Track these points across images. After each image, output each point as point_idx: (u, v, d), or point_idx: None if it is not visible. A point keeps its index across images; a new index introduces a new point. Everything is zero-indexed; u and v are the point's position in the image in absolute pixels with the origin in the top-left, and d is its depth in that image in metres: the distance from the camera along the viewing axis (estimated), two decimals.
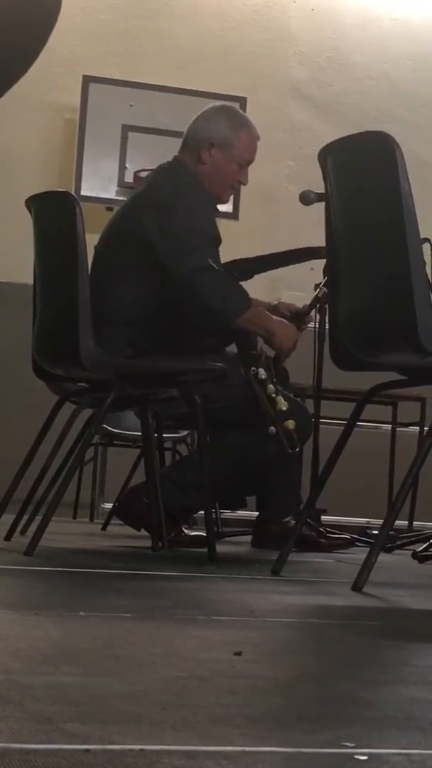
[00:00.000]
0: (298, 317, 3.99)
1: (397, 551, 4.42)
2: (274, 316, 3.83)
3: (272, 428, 3.58)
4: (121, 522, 4.20)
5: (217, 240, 3.85)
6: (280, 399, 3.62)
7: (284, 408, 3.59)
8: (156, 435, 4.15)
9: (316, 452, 4.25)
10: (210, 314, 3.72)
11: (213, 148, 3.93)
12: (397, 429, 5.67)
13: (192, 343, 3.82)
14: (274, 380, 3.69)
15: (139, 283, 3.79)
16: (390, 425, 5.66)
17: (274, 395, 3.63)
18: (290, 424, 3.56)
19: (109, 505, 5.77)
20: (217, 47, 7.25)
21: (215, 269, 3.73)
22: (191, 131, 3.99)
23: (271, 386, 3.64)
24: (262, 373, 3.67)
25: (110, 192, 6.67)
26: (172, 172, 3.94)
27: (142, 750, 1.03)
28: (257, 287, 4.10)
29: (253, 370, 3.69)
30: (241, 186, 4.13)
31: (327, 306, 3.80)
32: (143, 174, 6.26)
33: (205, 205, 3.88)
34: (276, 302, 4.18)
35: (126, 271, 3.81)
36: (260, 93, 7.15)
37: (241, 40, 7.30)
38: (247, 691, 1.36)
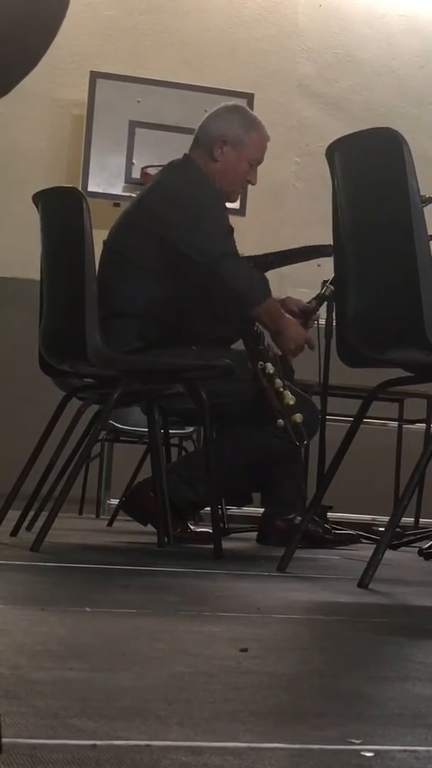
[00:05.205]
0: (305, 314, 4.00)
1: (403, 548, 4.42)
2: (286, 315, 3.84)
3: (281, 421, 3.63)
4: (127, 518, 4.20)
5: (230, 229, 3.87)
6: (288, 393, 3.68)
7: (291, 402, 3.65)
8: (162, 431, 4.15)
9: (322, 449, 4.25)
10: (234, 298, 3.74)
11: (225, 146, 3.94)
12: (404, 426, 5.66)
13: (202, 334, 3.84)
14: (282, 375, 3.72)
15: (147, 276, 3.79)
16: (396, 422, 5.65)
17: (281, 389, 3.67)
18: (298, 417, 3.63)
19: (115, 501, 5.77)
20: (224, 43, 7.24)
21: (238, 255, 3.78)
22: (203, 129, 4.00)
23: (278, 381, 3.68)
24: (270, 367, 3.71)
25: (117, 188, 6.67)
26: (182, 168, 3.95)
27: (148, 745, 1.03)
28: None
29: (261, 365, 3.73)
30: (249, 185, 4.15)
31: (334, 302, 3.81)
32: (150, 170, 6.26)
33: (215, 197, 3.90)
34: (284, 297, 4.18)
35: (136, 265, 3.81)
36: (267, 89, 7.14)
37: (248, 36, 7.29)
38: (252, 687, 1.36)
